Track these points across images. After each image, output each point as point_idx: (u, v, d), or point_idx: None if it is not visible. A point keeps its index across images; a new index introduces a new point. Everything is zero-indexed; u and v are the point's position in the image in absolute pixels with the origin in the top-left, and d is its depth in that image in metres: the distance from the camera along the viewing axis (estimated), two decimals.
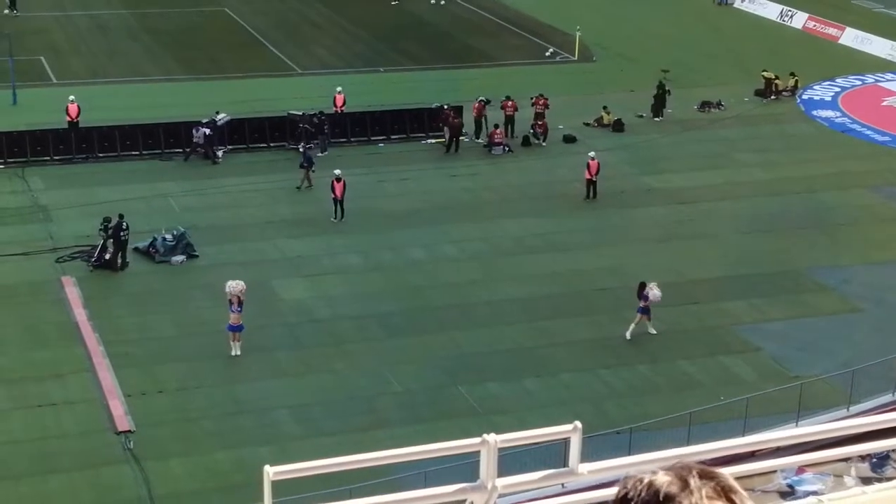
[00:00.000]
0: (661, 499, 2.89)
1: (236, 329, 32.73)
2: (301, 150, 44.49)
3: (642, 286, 34.30)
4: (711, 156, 48.30)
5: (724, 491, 2.92)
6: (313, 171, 43.11)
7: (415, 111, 49.77)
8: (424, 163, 46.75)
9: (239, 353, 32.76)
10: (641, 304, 34.10)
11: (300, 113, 47.59)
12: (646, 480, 2.92)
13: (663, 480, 2.91)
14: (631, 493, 2.93)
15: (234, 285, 32.79)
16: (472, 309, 35.48)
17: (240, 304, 32.58)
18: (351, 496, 24.28)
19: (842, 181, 46.02)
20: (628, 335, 34.14)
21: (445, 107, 48.95)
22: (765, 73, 55.61)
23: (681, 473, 2.92)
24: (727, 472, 3.05)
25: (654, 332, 34.16)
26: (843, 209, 43.72)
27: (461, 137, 48.19)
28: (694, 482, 2.90)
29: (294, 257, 38.60)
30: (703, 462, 3.84)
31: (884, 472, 27.66)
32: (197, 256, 38.30)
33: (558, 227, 41.35)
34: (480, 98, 49.60)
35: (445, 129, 48.42)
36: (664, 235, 40.89)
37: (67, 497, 27.19)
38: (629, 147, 48.72)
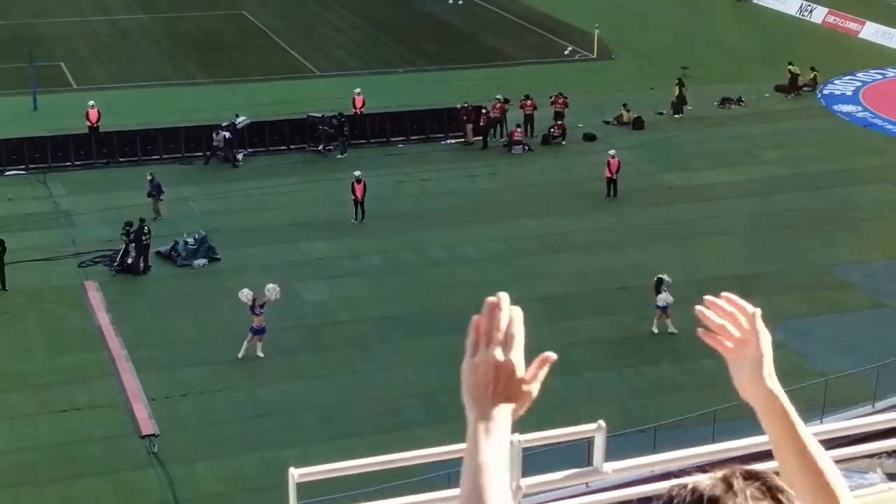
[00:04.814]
0: (705, 502, 2.85)
1: (261, 332, 32.72)
2: (149, 177, 41.36)
3: (659, 282, 34.22)
4: (732, 152, 48.09)
5: (771, 490, 2.87)
6: (161, 200, 41.15)
7: (434, 111, 49.73)
8: (444, 163, 46.70)
9: (262, 354, 32.79)
10: (659, 301, 34.03)
11: (320, 115, 47.60)
12: (689, 486, 2.89)
13: (707, 484, 2.87)
14: (676, 501, 2.89)
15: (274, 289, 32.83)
16: None
17: (262, 306, 32.63)
18: (376, 498, 24.33)
19: (864, 176, 45.76)
20: (655, 329, 34.10)
21: (463, 105, 48.88)
22: (791, 68, 55.18)
23: (725, 475, 2.89)
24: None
25: (676, 331, 34.01)
26: (866, 204, 43.47)
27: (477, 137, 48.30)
28: (738, 483, 2.86)
29: (315, 259, 38.59)
30: (728, 460, 3.80)
31: None
32: (219, 260, 38.34)
33: (579, 225, 41.24)
34: (497, 97, 49.48)
35: (468, 127, 48.40)
36: (685, 233, 40.72)
37: (93, 501, 27.25)
38: (649, 145, 48.57)
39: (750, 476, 2.88)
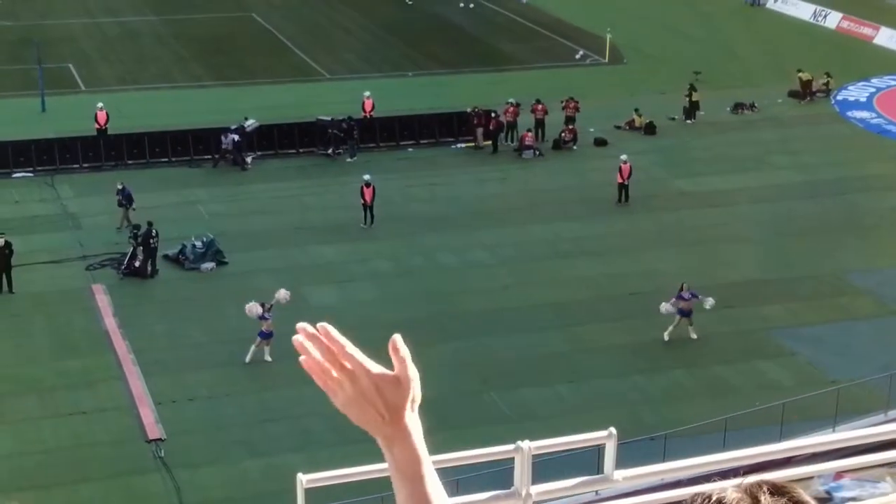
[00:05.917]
0: None
1: (269, 336, 32.55)
2: (120, 186, 40.40)
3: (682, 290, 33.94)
4: (745, 158, 47.87)
5: None
6: (133, 210, 40.24)
7: (444, 115, 49.62)
8: (454, 167, 46.58)
9: (269, 358, 32.61)
10: (680, 305, 33.73)
11: (329, 118, 47.51)
12: (714, 497, 2.82)
13: (733, 497, 2.80)
14: None
15: (285, 294, 32.73)
16: (503, 314, 35.22)
17: (269, 309, 32.47)
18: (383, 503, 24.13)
19: (878, 183, 45.51)
20: (666, 336, 33.79)
21: (474, 109, 48.72)
22: (801, 75, 54.97)
23: (751, 489, 2.82)
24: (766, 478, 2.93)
25: (696, 336, 33.76)
26: (880, 211, 43.24)
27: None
28: (764, 498, 2.77)
29: (324, 263, 38.45)
30: (739, 469, 3.78)
31: None
32: (226, 263, 38.20)
33: (590, 231, 41.06)
34: (510, 101, 49.44)
35: (478, 131, 48.25)
36: (697, 239, 40.52)
37: None
38: (661, 150, 48.38)
39: (777, 491, 2.80)
